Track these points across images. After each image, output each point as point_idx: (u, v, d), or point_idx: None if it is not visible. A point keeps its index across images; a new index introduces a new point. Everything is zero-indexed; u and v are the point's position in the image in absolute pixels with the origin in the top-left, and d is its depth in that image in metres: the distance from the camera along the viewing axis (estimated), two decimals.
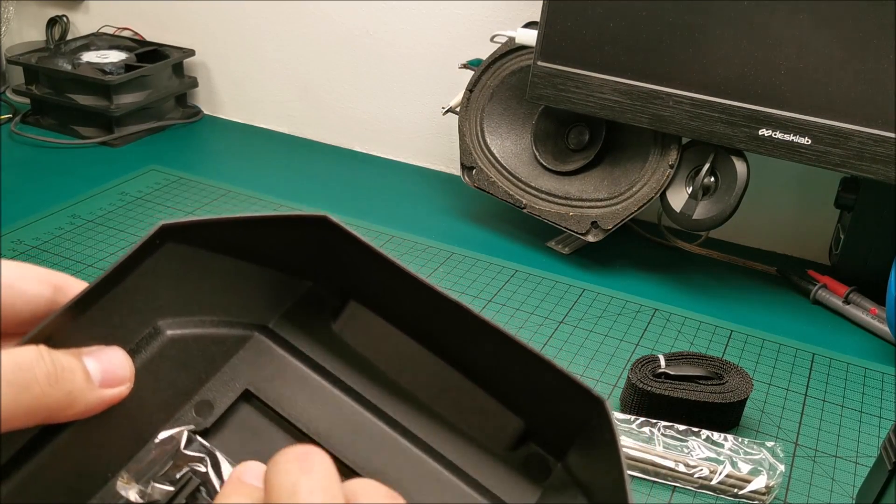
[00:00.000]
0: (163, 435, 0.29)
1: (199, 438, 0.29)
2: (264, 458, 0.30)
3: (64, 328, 0.27)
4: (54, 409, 0.25)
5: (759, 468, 0.55)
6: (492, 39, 0.85)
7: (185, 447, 0.28)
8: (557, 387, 0.28)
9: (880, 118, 0.66)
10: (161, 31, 1.14)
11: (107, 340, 0.28)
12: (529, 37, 0.80)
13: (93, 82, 1.00)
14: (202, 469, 0.28)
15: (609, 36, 0.73)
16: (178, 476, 0.28)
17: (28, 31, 1.21)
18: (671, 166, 0.76)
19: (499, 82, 0.85)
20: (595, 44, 0.74)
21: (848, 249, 0.80)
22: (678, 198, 0.77)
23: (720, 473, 0.55)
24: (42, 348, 0.25)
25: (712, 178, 0.76)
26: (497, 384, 0.30)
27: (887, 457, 0.47)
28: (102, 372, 0.26)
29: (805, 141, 0.68)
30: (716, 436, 0.58)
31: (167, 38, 1.13)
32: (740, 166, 0.74)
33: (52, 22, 1.16)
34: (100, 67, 1.02)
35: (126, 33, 1.15)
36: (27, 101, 1.06)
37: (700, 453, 0.56)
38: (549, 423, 0.30)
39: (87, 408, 0.26)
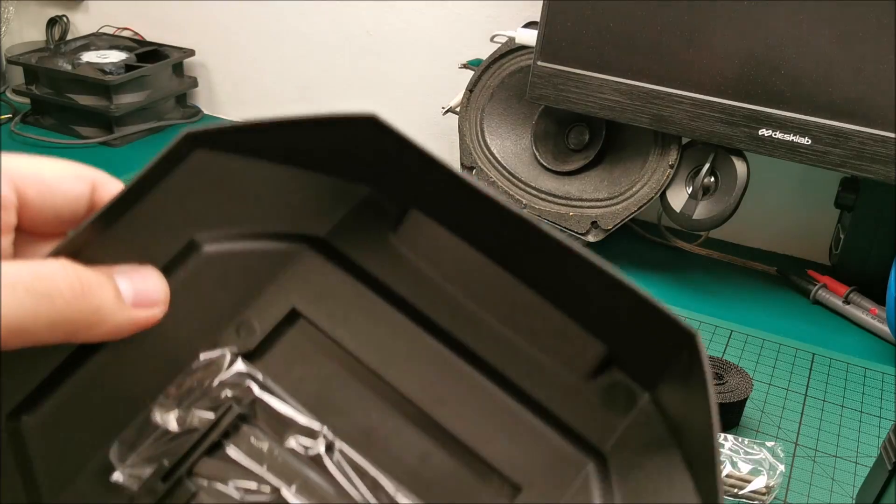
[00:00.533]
0: (203, 358, 0.27)
1: (241, 362, 0.27)
2: (312, 384, 0.27)
3: (90, 244, 0.25)
4: (80, 325, 0.23)
5: (759, 468, 0.55)
6: (492, 39, 0.85)
7: (227, 371, 0.26)
8: (643, 315, 0.24)
9: (880, 118, 0.66)
10: (161, 31, 1.14)
11: (139, 257, 0.26)
12: (529, 37, 0.80)
13: (93, 82, 1.00)
14: (244, 395, 0.26)
15: (609, 36, 0.73)
16: (219, 401, 0.26)
17: (28, 31, 1.20)
18: (671, 166, 0.76)
19: (499, 82, 0.85)
20: (595, 44, 0.74)
21: (848, 249, 0.80)
22: (678, 198, 0.77)
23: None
24: (65, 260, 0.23)
25: (712, 178, 0.76)
26: (575, 307, 0.27)
27: (887, 457, 0.47)
28: (134, 292, 0.25)
29: (805, 141, 0.68)
30: None
31: (167, 38, 1.13)
32: (740, 166, 0.74)
33: (52, 22, 1.16)
34: (100, 67, 1.02)
35: (126, 33, 1.15)
36: (27, 101, 1.06)
37: None
38: (635, 351, 0.26)
39: (117, 328, 0.24)
